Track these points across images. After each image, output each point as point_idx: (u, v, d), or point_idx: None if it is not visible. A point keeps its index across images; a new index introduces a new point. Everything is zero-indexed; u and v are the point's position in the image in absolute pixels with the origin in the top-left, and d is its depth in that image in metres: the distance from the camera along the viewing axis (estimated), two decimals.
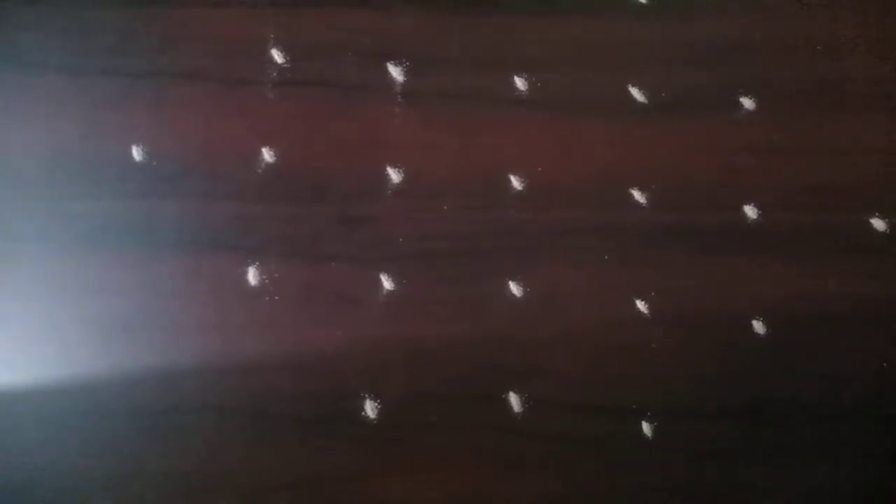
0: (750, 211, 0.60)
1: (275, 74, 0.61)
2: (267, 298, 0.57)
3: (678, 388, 0.57)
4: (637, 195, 0.60)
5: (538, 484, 0.55)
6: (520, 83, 0.61)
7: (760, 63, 0.62)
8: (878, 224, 0.59)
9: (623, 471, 0.55)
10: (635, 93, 0.62)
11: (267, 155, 0.60)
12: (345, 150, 0.60)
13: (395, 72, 0.61)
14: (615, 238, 0.59)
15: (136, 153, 0.60)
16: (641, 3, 0.63)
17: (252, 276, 0.58)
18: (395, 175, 0.60)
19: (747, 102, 0.62)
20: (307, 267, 0.58)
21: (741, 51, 0.63)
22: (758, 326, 0.57)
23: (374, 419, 0.56)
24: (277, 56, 0.61)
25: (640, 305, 0.58)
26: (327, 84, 0.60)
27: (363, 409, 0.56)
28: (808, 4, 0.64)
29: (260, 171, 0.59)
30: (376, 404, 0.56)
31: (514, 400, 0.56)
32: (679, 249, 0.59)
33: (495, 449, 0.56)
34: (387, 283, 0.58)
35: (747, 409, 0.56)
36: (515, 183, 0.60)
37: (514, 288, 0.58)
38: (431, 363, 0.57)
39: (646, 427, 0.56)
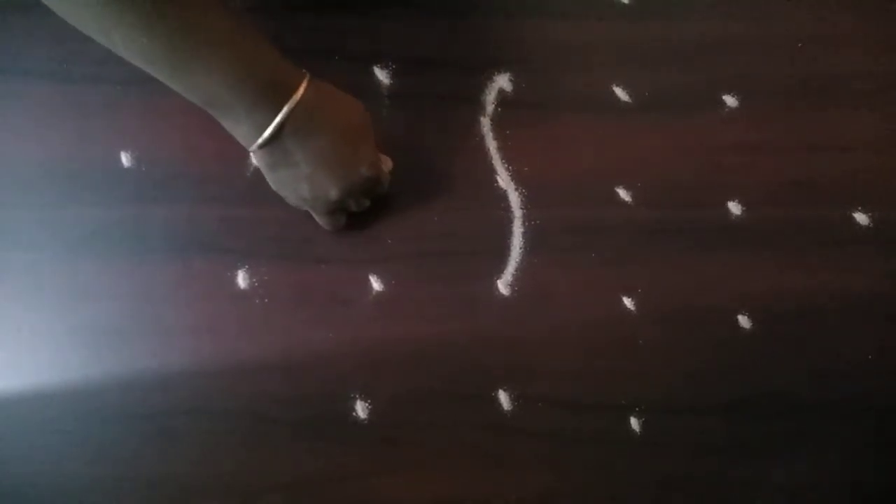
0: (734, 207, 0.60)
1: None
2: (257, 301, 0.58)
3: (666, 383, 0.57)
4: (622, 193, 0.60)
5: (529, 481, 0.56)
6: (505, 84, 0.62)
7: (743, 61, 0.63)
8: (861, 218, 0.60)
9: (612, 466, 0.56)
10: (619, 92, 0.62)
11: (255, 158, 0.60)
12: None
13: (382, 74, 0.62)
14: (601, 236, 0.59)
15: (125, 159, 0.60)
16: (624, 3, 0.64)
17: (242, 279, 0.58)
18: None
19: (730, 100, 0.62)
20: (297, 269, 0.59)
21: (723, 49, 0.63)
22: (743, 321, 0.58)
23: (366, 419, 0.56)
24: None
25: (627, 302, 0.58)
26: None
27: (354, 410, 0.56)
28: (789, 1, 0.65)
29: (249, 174, 0.60)
30: (367, 405, 0.56)
31: (503, 398, 0.57)
32: (665, 246, 0.59)
33: (486, 447, 0.56)
34: (376, 285, 0.59)
35: (735, 404, 0.57)
36: (502, 183, 0.60)
37: (503, 287, 0.59)
38: (422, 363, 0.57)
39: (634, 423, 0.56)
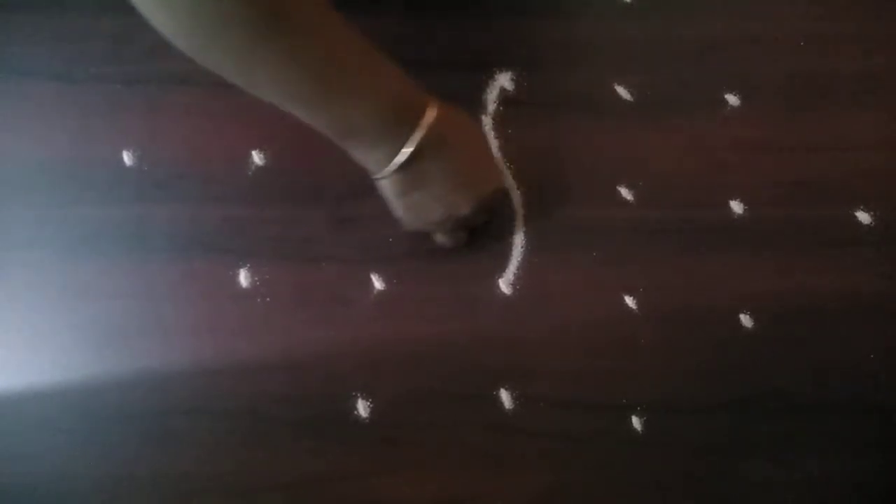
0: (736, 206, 0.60)
1: None
2: (259, 300, 0.58)
3: (667, 383, 0.57)
4: (624, 192, 0.60)
5: (531, 481, 0.55)
6: (506, 83, 0.62)
7: (744, 60, 0.63)
8: (864, 217, 0.60)
9: (615, 466, 0.56)
10: (621, 91, 0.62)
11: (257, 158, 0.60)
12: (334, 151, 0.60)
13: None
14: (603, 235, 0.59)
15: (128, 158, 0.60)
16: (626, 2, 0.64)
17: (244, 278, 0.58)
18: None
19: (732, 99, 0.62)
20: (299, 268, 0.59)
21: (725, 48, 0.63)
22: (745, 320, 0.58)
23: (367, 419, 0.56)
24: None
25: (629, 302, 0.58)
26: None
27: (356, 409, 0.56)
28: (790, 0, 0.65)
29: (250, 173, 0.60)
30: (368, 404, 0.56)
31: (505, 398, 0.57)
32: (667, 245, 0.59)
33: (487, 447, 0.56)
34: (378, 284, 0.58)
35: (736, 403, 0.56)
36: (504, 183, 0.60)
37: (505, 286, 0.59)
38: (423, 362, 0.57)
39: (636, 422, 0.56)
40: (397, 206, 0.53)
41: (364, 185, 0.60)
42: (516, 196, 0.60)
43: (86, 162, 0.60)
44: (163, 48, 0.61)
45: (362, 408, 0.56)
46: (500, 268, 0.59)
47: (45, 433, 0.56)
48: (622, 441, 0.56)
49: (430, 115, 0.46)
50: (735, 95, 0.62)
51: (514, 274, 0.59)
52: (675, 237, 0.59)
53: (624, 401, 0.57)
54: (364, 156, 0.49)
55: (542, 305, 0.58)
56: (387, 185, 0.50)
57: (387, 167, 0.48)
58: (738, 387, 0.57)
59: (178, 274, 0.58)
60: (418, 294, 0.58)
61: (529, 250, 0.59)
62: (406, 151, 0.46)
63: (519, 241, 0.59)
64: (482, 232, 0.59)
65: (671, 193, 0.60)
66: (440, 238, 0.57)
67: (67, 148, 0.60)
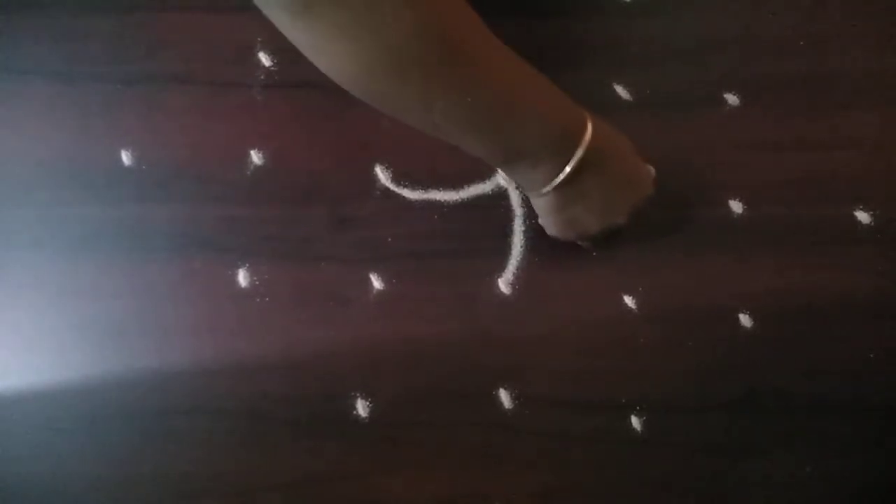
0: (735, 206, 0.60)
1: (262, 77, 0.61)
2: (258, 300, 0.58)
3: (667, 382, 0.57)
4: None
5: (531, 480, 0.55)
6: None
7: (744, 59, 0.63)
8: (863, 217, 0.60)
9: (614, 465, 0.56)
10: (620, 90, 0.62)
11: (255, 157, 0.60)
12: (333, 151, 0.61)
13: None
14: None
15: (126, 158, 0.60)
16: (625, 1, 0.64)
17: (242, 277, 0.58)
18: (383, 175, 0.60)
19: (731, 98, 0.62)
20: (297, 268, 0.59)
21: (725, 47, 0.63)
22: (744, 320, 0.58)
23: (366, 418, 0.56)
24: (265, 59, 0.61)
25: (628, 301, 0.58)
26: (315, 86, 0.61)
27: (355, 409, 0.56)
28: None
29: (249, 173, 0.60)
30: (368, 403, 0.56)
31: (504, 397, 0.57)
32: (666, 245, 0.59)
33: (486, 446, 0.56)
34: (377, 283, 0.58)
35: (735, 403, 0.56)
36: (503, 181, 0.60)
37: (504, 286, 0.59)
38: (422, 362, 0.57)
39: (636, 422, 0.56)
40: (553, 222, 0.53)
41: (363, 185, 0.60)
42: (515, 196, 0.60)
43: (85, 161, 0.60)
44: (162, 48, 0.63)
45: (362, 407, 0.56)
46: (500, 267, 0.59)
47: (44, 433, 0.56)
48: (622, 441, 0.56)
49: (589, 131, 0.46)
50: (735, 95, 0.62)
51: (514, 274, 0.59)
52: (675, 236, 0.59)
53: (623, 400, 0.57)
54: (524, 176, 0.49)
55: (541, 305, 0.58)
56: (544, 202, 0.50)
57: (547, 186, 0.48)
58: (737, 386, 0.57)
59: (177, 274, 0.58)
60: (418, 294, 0.58)
61: (529, 250, 0.59)
62: (568, 170, 0.46)
63: (518, 240, 0.59)
64: (482, 232, 0.59)
65: (671, 193, 0.60)
66: (586, 244, 0.56)
67: (67, 147, 0.60)
